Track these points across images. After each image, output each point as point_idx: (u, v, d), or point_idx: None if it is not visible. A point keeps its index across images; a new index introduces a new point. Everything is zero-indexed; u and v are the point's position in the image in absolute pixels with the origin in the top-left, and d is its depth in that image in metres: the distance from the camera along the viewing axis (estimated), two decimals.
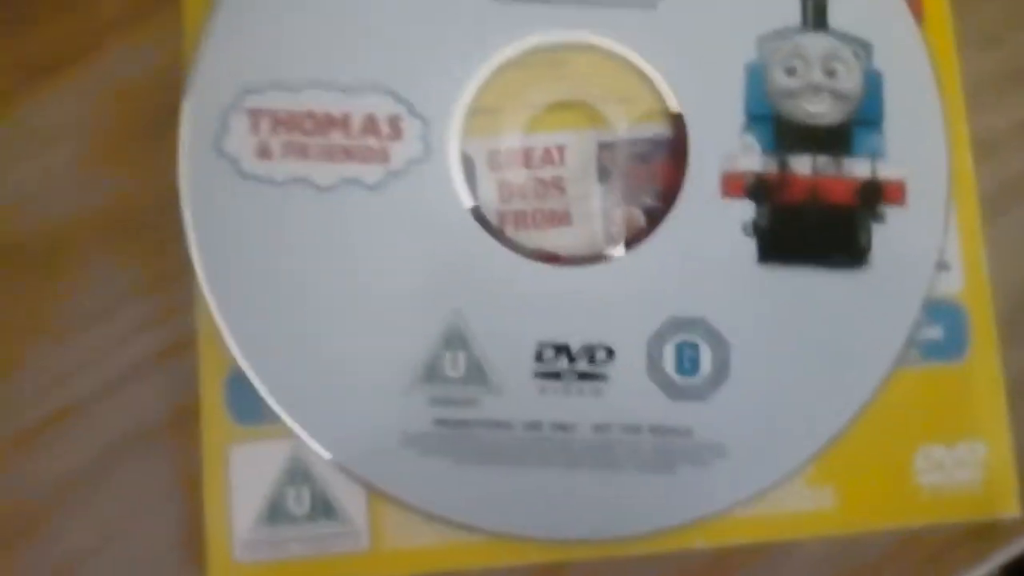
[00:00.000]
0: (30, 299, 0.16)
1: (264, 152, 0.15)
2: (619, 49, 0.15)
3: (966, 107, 0.16)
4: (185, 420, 0.15)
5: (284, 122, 0.15)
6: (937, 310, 0.15)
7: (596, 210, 0.15)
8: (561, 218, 0.15)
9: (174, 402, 0.15)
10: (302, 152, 0.15)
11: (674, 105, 0.15)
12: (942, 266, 0.15)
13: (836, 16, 0.15)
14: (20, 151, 0.16)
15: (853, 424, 0.14)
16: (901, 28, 0.15)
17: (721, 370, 0.14)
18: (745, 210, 0.15)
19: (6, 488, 0.15)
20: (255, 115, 0.15)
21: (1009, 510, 0.15)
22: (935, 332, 0.15)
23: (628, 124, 0.15)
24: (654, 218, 0.15)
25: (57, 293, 0.16)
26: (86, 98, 0.16)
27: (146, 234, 0.16)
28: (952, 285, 0.15)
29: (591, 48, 0.15)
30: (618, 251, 0.15)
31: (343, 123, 0.15)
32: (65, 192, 0.16)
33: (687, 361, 0.14)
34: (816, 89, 0.15)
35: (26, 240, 0.16)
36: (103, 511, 0.15)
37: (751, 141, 0.15)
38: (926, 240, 0.15)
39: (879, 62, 0.15)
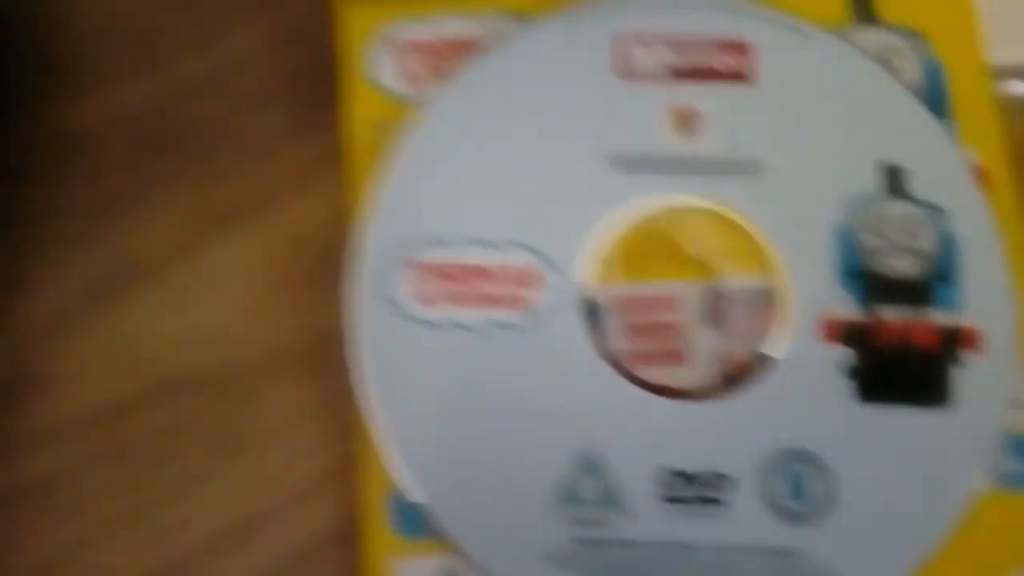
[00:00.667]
0: (210, 424, 0.18)
1: (426, 299, 0.17)
2: (724, 210, 0.18)
3: None
4: (351, 533, 0.17)
5: (442, 274, 0.18)
6: (1015, 443, 0.17)
7: (709, 350, 0.18)
8: (678, 357, 0.18)
9: (344, 515, 0.17)
10: (458, 299, 0.17)
11: (775, 259, 0.18)
12: (1017, 404, 0.17)
13: (913, 186, 0.18)
14: (200, 293, 0.19)
15: (945, 547, 0.16)
16: (969, 195, 0.18)
17: (827, 497, 0.16)
18: (843, 354, 0.17)
19: None
20: (417, 268, 0.17)
21: None
22: (1015, 464, 0.17)
23: (735, 277, 0.18)
24: (760, 358, 0.17)
25: (237, 417, 0.18)
26: (261, 247, 0.19)
27: (316, 367, 0.18)
28: None
29: (701, 209, 0.18)
30: (732, 389, 0.17)
31: (492, 275, 0.18)
32: (242, 330, 0.19)
33: (798, 489, 0.16)
34: (899, 248, 0.18)
35: (207, 371, 0.18)
36: None
37: (844, 294, 0.17)
38: (1001, 380, 0.17)
39: (952, 225, 0.18)
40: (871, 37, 0.19)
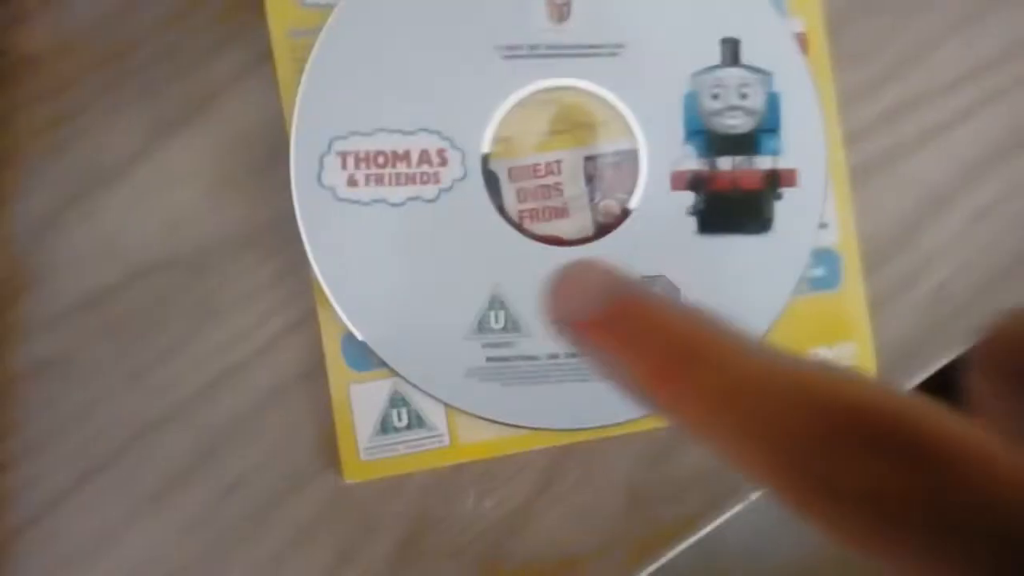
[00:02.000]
0: (186, 298, 0.22)
1: (352, 182, 0.21)
2: (594, 88, 0.22)
3: (839, 110, 0.22)
4: (315, 371, 0.22)
5: (363, 160, 0.21)
6: (820, 256, 0.22)
7: (585, 205, 0.22)
8: (561, 212, 0.22)
9: (306, 359, 0.22)
10: (378, 180, 0.21)
11: (635, 126, 0.22)
12: (823, 226, 0.22)
13: (745, 54, 0.22)
14: (162, 189, 0.22)
15: (769, 333, 0.22)
16: (791, 59, 0.22)
17: None
18: (687, 198, 0.21)
19: (193, 425, 0.22)
20: (343, 156, 0.21)
21: None
22: (820, 271, 0.22)
23: (603, 143, 0.22)
24: (625, 208, 0.22)
25: (208, 290, 0.22)
26: (211, 144, 0.22)
27: (269, 243, 0.22)
28: (830, 238, 0.22)
29: (575, 89, 0.22)
30: (604, 234, 0.21)
31: (405, 157, 0.21)
32: (202, 217, 0.22)
33: None
34: (733, 108, 0.22)
35: (176, 256, 0.22)
36: (264, 438, 0.22)
37: (690, 150, 0.21)
38: (812, 209, 0.22)
39: (777, 86, 0.22)
40: None
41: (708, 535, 0.22)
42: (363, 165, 0.21)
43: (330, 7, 0.21)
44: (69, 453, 0.22)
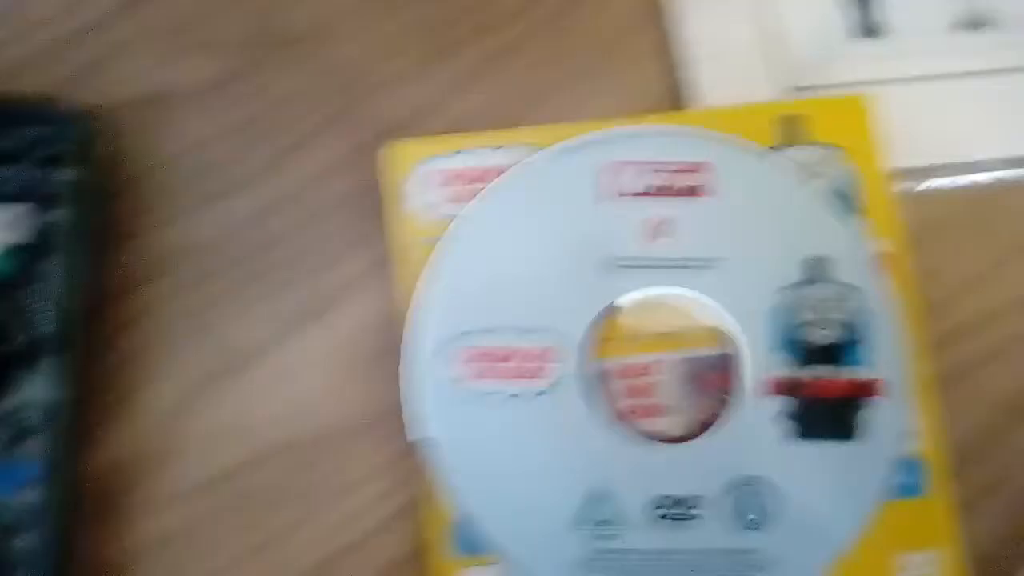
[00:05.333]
0: (305, 479, 0.24)
1: (462, 377, 0.23)
2: (689, 297, 0.24)
3: (922, 323, 0.24)
4: (422, 554, 0.23)
5: (474, 357, 0.23)
6: (908, 463, 0.23)
7: (683, 405, 0.23)
8: (661, 410, 0.23)
9: (414, 541, 0.23)
10: (488, 375, 0.23)
11: (732, 334, 0.23)
12: (910, 435, 0.23)
13: (831, 272, 0.24)
14: (290, 376, 0.24)
15: (858, 540, 0.22)
16: (877, 279, 0.24)
17: (775, 511, 0.22)
18: (780, 403, 0.23)
19: None
20: (454, 352, 0.23)
21: None
22: (907, 478, 0.23)
23: (702, 348, 0.24)
24: (725, 411, 0.23)
25: (325, 473, 0.24)
26: (335, 336, 0.25)
27: (384, 430, 0.24)
28: (916, 445, 0.23)
29: (672, 297, 0.24)
30: (704, 433, 0.23)
31: (514, 355, 0.23)
32: (323, 404, 0.24)
33: (751, 504, 0.22)
34: (824, 321, 0.23)
35: (298, 439, 0.24)
36: None
37: (783, 357, 0.23)
38: (897, 418, 0.23)
39: (863, 300, 0.23)
40: (801, 153, 0.25)
41: None
42: (475, 361, 0.23)
43: (448, 219, 0.24)
44: None
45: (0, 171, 0.22)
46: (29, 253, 0.22)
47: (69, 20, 0.26)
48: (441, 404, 0.23)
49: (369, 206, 0.25)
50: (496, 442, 0.23)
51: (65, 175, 0.22)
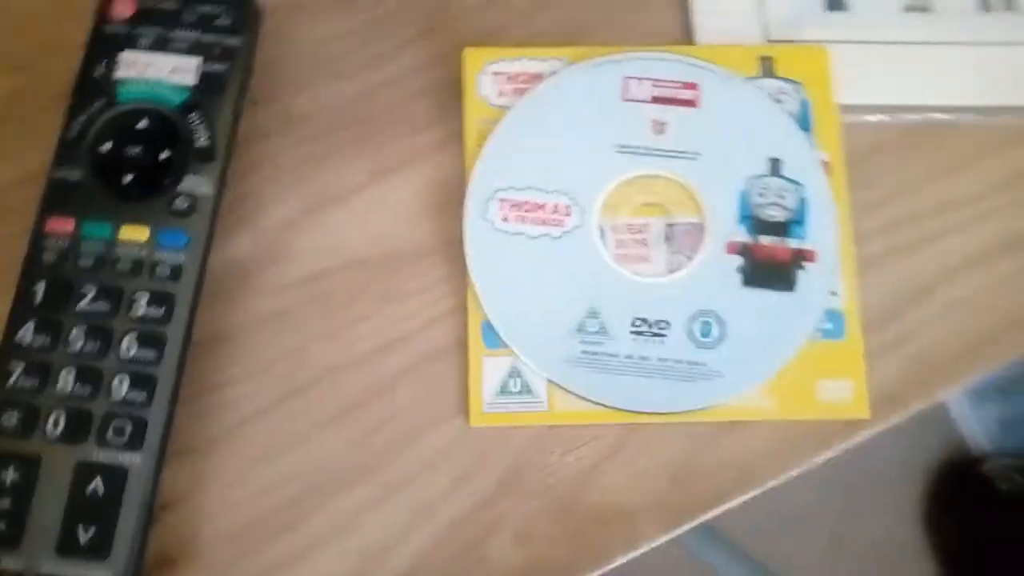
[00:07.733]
0: (377, 285, 0.31)
1: (504, 219, 0.31)
2: (677, 179, 0.31)
3: (851, 217, 0.31)
4: (460, 345, 0.30)
5: (515, 206, 0.31)
6: (831, 314, 0.30)
7: (662, 255, 0.31)
8: (645, 258, 0.31)
9: (455, 336, 0.31)
10: (522, 220, 0.31)
11: (704, 208, 0.31)
12: (833, 293, 0.30)
13: (785, 169, 0.31)
14: (373, 213, 0.32)
15: (786, 367, 0.30)
16: (818, 177, 0.31)
17: (721, 336, 0.30)
18: (736, 260, 0.30)
19: (366, 374, 0.30)
20: (500, 201, 0.31)
21: (862, 414, 0.30)
22: (829, 324, 0.30)
23: (680, 216, 0.31)
24: (691, 261, 0.31)
25: (394, 282, 0.31)
26: (414, 186, 0.33)
27: (442, 256, 0.32)
28: (838, 303, 0.30)
29: (665, 177, 0.31)
30: (675, 275, 0.30)
31: (543, 207, 0.31)
32: (399, 234, 0.32)
33: (706, 330, 0.30)
34: (773, 204, 0.31)
35: (377, 256, 0.32)
36: (416, 389, 0.30)
37: (741, 228, 0.31)
38: (825, 279, 0.30)
39: (806, 193, 0.31)
40: (770, 83, 0.32)
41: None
42: (514, 209, 0.31)
43: (508, 107, 0.32)
44: (275, 381, 0.31)
45: (183, 32, 0.31)
46: (198, 91, 0.30)
47: None
48: (485, 240, 0.31)
49: (451, 94, 0.33)
50: (521, 271, 0.30)
51: (231, 41, 0.31)
